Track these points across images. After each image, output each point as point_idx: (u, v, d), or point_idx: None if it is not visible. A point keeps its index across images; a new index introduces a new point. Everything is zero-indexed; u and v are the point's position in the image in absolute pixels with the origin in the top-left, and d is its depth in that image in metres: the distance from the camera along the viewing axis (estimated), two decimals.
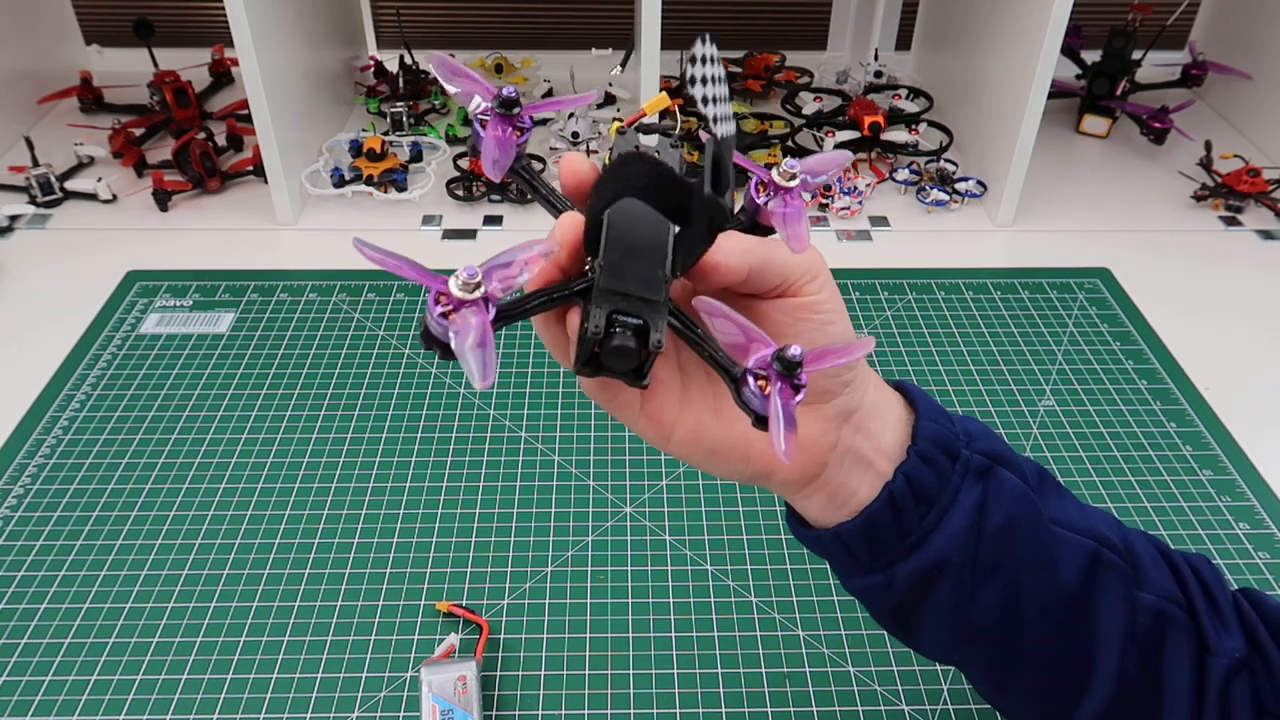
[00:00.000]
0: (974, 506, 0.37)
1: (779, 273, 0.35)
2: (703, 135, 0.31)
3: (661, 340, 0.31)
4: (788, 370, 0.30)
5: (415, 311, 0.87)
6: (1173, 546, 0.44)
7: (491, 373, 0.28)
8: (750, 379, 0.31)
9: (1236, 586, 0.44)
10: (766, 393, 0.30)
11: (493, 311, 0.29)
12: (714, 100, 0.30)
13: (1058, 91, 1.09)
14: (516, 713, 0.58)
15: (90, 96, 1.16)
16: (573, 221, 0.33)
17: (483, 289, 0.29)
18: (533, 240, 0.31)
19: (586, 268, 0.33)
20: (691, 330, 0.33)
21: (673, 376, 0.37)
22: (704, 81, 0.29)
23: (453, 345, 0.28)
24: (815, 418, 0.37)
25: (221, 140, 1.09)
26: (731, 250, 0.33)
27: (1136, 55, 1.14)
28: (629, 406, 0.37)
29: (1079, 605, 0.39)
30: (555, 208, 0.36)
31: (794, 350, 0.30)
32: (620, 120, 0.36)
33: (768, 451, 0.34)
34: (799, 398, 0.30)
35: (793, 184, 0.35)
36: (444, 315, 0.29)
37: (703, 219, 0.31)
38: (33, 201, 1.00)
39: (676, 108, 1.13)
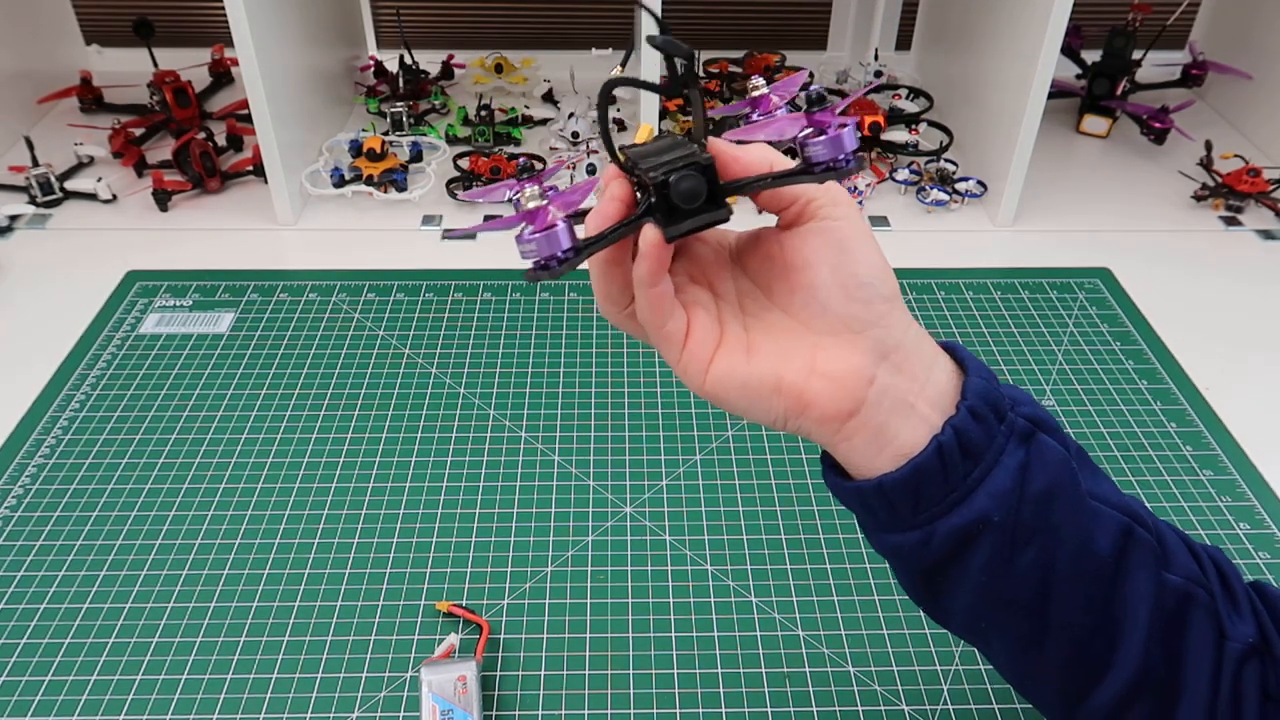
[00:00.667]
0: (1017, 468, 0.37)
1: (791, 192, 0.38)
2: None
3: (707, 157, 0.35)
4: (816, 103, 0.35)
5: (415, 312, 0.87)
6: None
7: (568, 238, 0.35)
8: (805, 142, 0.36)
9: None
10: (823, 130, 0.35)
11: (571, 240, 0.34)
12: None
13: (1058, 91, 1.09)
14: (516, 713, 0.58)
15: (90, 96, 1.16)
16: (612, 169, 0.37)
17: (542, 196, 0.34)
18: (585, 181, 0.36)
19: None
20: (749, 181, 0.37)
21: (711, 320, 0.39)
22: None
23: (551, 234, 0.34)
24: (850, 349, 0.37)
25: (221, 140, 1.09)
26: (731, 146, 0.37)
27: (1136, 55, 1.14)
28: (673, 340, 0.39)
29: (1111, 579, 0.39)
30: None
31: (814, 89, 0.35)
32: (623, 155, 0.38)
33: (803, 386, 0.37)
34: (841, 115, 0.35)
35: (758, 93, 0.39)
36: (534, 233, 0.34)
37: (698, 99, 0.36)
38: (33, 201, 1.00)
39: (677, 107, 1.13)
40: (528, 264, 0.34)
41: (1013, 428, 0.38)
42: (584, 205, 0.35)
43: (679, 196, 0.34)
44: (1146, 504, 0.42)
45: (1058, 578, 0.38)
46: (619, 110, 1.15)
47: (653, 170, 0.34)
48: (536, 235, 0.33)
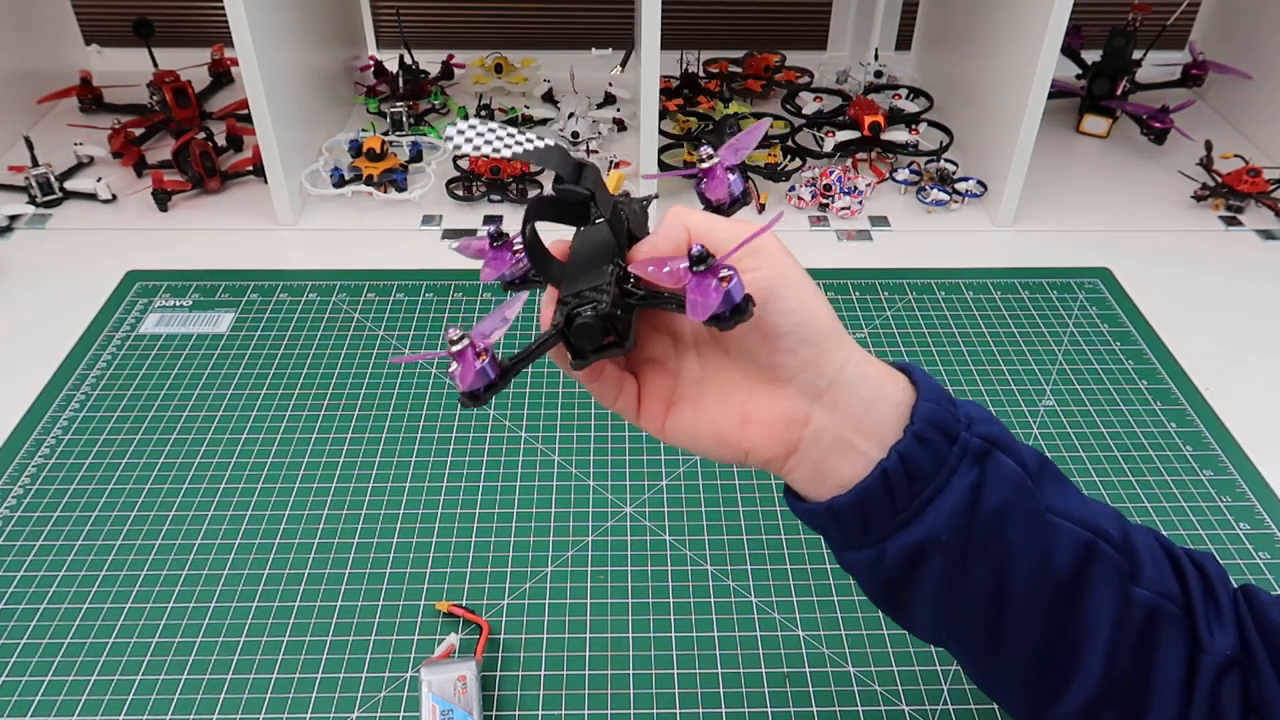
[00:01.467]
0: (968, 489, 0.38)
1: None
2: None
3: (607, 303, 0.37)
4: (699, 263, 0.35)
5: (415, 311, 0.87)
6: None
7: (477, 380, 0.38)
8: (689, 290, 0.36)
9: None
10: (689, 285, 0.36)
11: (494, 371, 0.38)
12: (494, 139, 0.37)
13: (1058, 91, 1.09)
14: (516, 713, 0.58)
15: (90, 96, 1.16)
16: (550, 292, 0.40)
17: (466, 340, 0.37)
18: (510, 300, 0.39)
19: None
20: (651, 298, 0.39)
21: (664, 377, 0.42)
22: (480, 142, 0.37)
23: (460, 377, 0.38)
24: (780, 396, 0.39)
25: (221, 140, 1.09)
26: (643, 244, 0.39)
27: (1136, 55, 1.14)
28: (629, 409, 0.42)
29: (1069, 595, 0.39)
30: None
31: (695, 248, 0.35)
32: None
33: (739, 435, 0.40)
34: (723, 279, 0.35)
35: (709, 164, 0.41)
36: (462, 371, 0.38)
37: (617, 222, 0.39)
38: (32, 201, 1.00)
39: (677, 107, 1.13)
40: (459, 391, 0.38)
41: (966, 448, 0.38)
42: (497, 336, 0.38)
43: (577, 339, 0.38)
44: (1119, 514, 0.42)
45: (1013, 593, 0.39)
46: (619, 110, 1.15)
47: (564, 300, 0.38)
48: (464, 372, 0.37)
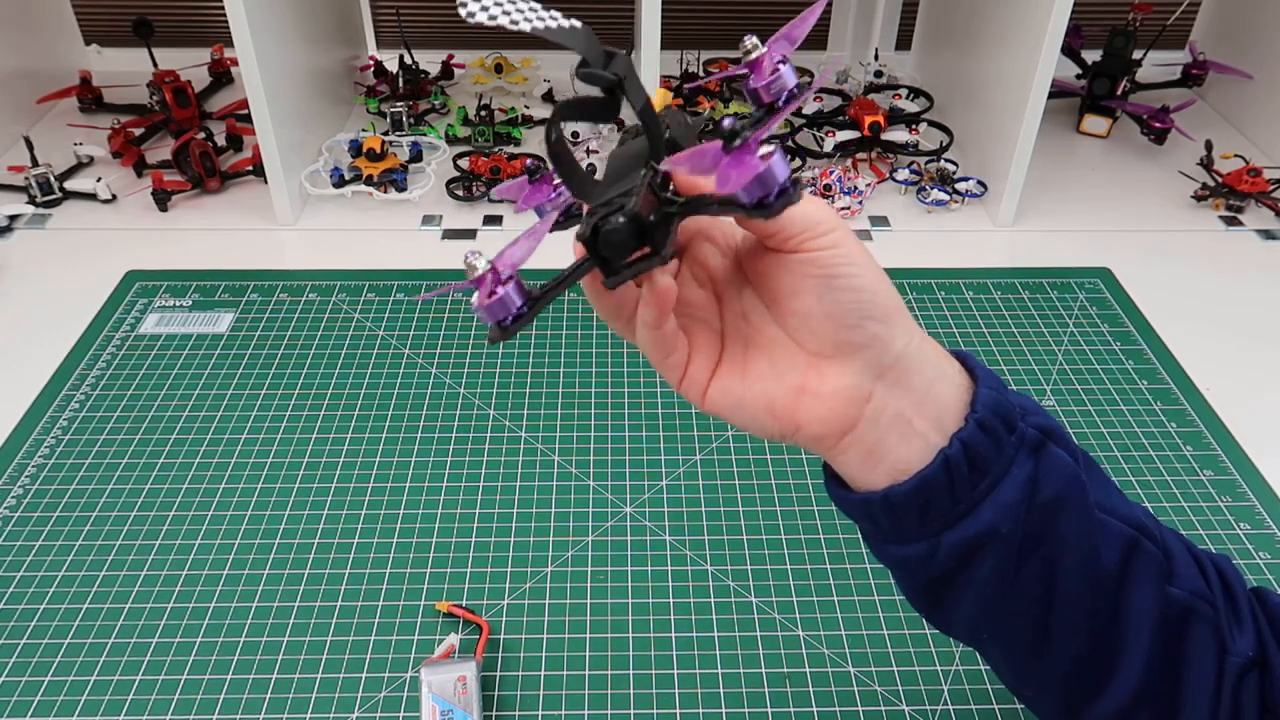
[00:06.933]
0: (1026, 480, 0.37)
1: (763, 227, 0.36)
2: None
3: (635, 203, 0.33)
4: (732, 139, 0.32)
5: (415, 311, 0.87)
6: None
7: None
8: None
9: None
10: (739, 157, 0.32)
11: (521, 299, 0.34)
12: (512, 9, 0.33)
13: (1058, 91, 1.09)
14: (516, 713, 0.57)
15: (90, 96, 1.16)
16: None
17: (487, 261, 0.34)
18: (538, 224, 0.35)
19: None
20: (692, 203, 0.35)
21: (712, 338, 0.40)
22: (498, 11, 0.32)
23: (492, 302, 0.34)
24: (843, 370, 0.37)
25: (221, 140, 1.09)
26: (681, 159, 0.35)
27: (1137, 55, 1.14)
28: (676, 371, 0.39)
29: (1115, 591, 0.39)
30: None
31: (726, 122, 0.32)
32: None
33: (793, 407, 0.38)
34: (763, 155, 0.31)
35: (755, 54, 0.37)
36: (486, 298, 0.34)
37: (652, 121, 0.35)
38: (32, 201, 1.00)
39: (676, 107, 1.13)
40: (486, 326, 0.35)
41: (1023, 438, 0.37)
42: (523, 260, 0.34)
43: (607, 250, 0.34)
44: (1152, 512, 0.42)
45: (1062, 589, 0.38)
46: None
47: (592, 213, 0.34)
48: (489, 301, 0.34)
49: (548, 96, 1.19)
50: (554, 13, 0.33)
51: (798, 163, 1.05)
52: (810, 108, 1.15)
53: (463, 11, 0.32)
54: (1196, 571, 0.41)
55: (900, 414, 0.37)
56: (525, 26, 0.32)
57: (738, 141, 0.31)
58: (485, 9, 0.32)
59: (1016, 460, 0.37)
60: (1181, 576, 0.40)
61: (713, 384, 0.39)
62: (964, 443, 0.36)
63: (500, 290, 0.34)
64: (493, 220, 1.00)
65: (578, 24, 0.33)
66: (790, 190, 0.32)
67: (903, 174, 1.05)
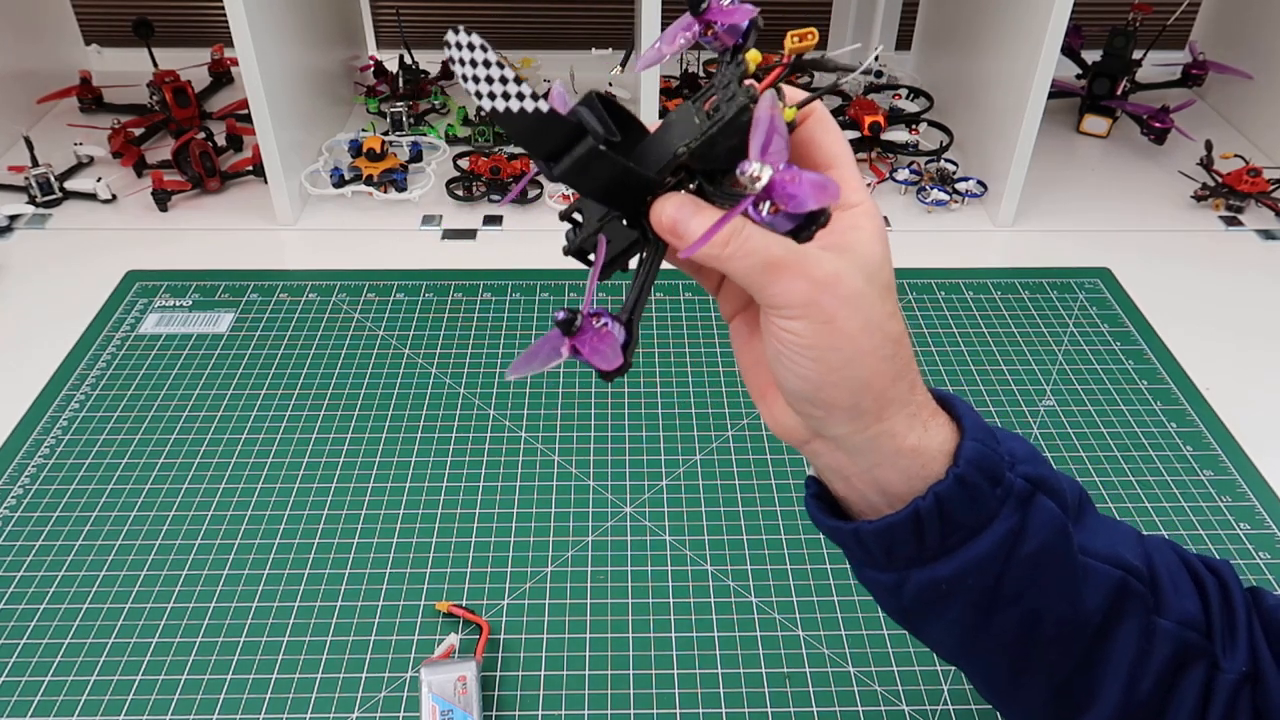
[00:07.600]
0: (1007, 534, 0.36)
1: (732, 284, 0.37)
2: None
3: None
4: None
5: (415, 311, 0.87)
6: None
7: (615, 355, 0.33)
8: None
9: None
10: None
11: (621, 332, 0.33)
12: (483, 80, 0.30)
13: (1058, 91, 1.09)
14: (516, 713, 0.57)
15: (90, 96, 1.16)
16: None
17: (579, 317, 0.32)
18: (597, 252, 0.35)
19: None
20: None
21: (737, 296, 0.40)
22: (468, 69, 0.30)
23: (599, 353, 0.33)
24: (786, 409, 0.38)
25: (221, 140, 1.09)
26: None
27: (1137, 55, 1.14)
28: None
29: (1097, 633, 0.39)
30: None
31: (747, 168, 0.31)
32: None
33: (759, 397, 0.39)
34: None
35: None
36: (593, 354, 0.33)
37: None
38: (32, 201, 1.00)
39: (676, 107, 1.13)
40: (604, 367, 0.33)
41: (1010, 490, 0.36)
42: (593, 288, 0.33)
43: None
44: (1143, 535, 0.42)
45: (1041, 634, 0.38)
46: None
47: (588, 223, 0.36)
48: (592, 352, 0.32)
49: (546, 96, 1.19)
50: (523, 90, 0.30)
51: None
52: None
53: (446, 52, 0.30)
54: (1190, 592, 0.40)
55: (839, 470, 0.38)
56: (484, 104, 0.30)
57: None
58: (461, 62, 0.30)
59: (1000, 515, 0.36)
60: (1170, 607, 0.39)
61: (732, 323, 0.41)
62: (939, 496, 0.36)
63: (602, 334, 0.32)
64: (492, 220, 1.00)
65: (544, 107, 0.30)
66: (820, 219, 0.32)
67: (903, 174, 1.05)
